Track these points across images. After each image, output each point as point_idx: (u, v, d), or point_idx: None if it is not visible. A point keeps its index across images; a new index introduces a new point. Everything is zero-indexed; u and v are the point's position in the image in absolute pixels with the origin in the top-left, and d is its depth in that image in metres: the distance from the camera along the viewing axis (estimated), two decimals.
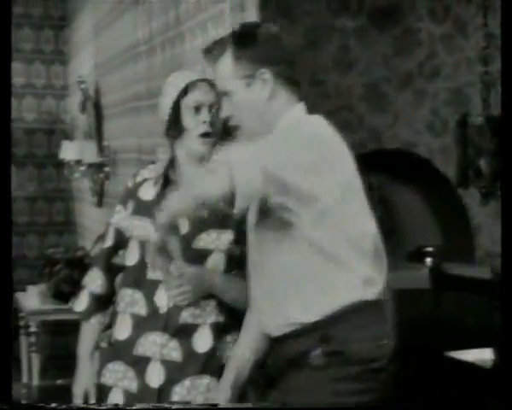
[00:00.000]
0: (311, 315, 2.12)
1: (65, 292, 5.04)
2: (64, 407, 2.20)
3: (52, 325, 5.61)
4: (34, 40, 6.71)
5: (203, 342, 2.43)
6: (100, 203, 5.38)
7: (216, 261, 2.43)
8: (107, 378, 2.52)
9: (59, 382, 5.67)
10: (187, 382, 2.43)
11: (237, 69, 2.27)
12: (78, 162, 5.48)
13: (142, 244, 2.49)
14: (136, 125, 4.31)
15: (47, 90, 6.78)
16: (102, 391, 2.52)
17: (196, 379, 2.43)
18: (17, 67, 6.66)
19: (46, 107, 6.79)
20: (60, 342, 6.03)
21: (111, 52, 4.99)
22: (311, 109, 2.28)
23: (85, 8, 5.90)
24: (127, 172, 4.61)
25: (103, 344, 2.58)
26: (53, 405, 2.27)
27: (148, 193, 2.54)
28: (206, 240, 2.42)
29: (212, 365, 2.42)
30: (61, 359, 5.91)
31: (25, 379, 5.55)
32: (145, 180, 2.58)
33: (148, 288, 2.46)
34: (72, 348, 5.69)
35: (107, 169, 5.07)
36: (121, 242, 2.56)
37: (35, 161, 6.76)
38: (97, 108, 5.34)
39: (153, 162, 2.63)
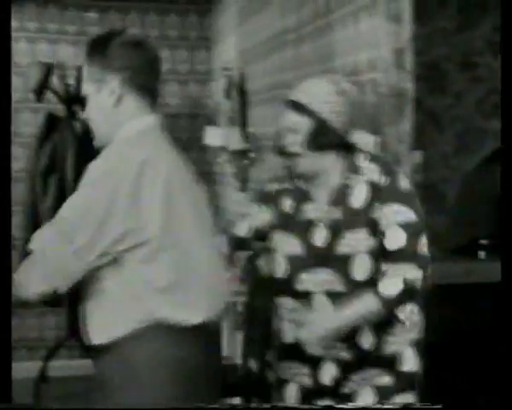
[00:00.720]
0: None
1: None
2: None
3: None
4: (179, 26, 6.84)
5: (367, 339, 2.51)
6: (244, 188, 5.46)
7: None
8: (283, 374, 2.62)
9: None
10: (356, 377, 2.53)
11: (89, 73, 2.40)
12: (223, 148, 5.56)
13: (290, 259, 2.54)
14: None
15: (190, 76, 6.90)
16: (279, 385, 2.64)
17: (366, 372, 2.52)
18: (163, 54, 6.81)
19: (189, 92, 6.91)
20: None
21: (257, 39, 5.03)
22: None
23: None
24: (272, 158, 4.65)
25: (276, 341, 2.67)
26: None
27: (286, 204, 2.63)
28: None
29: (379, 357, 2.51)
30: None
31: None
32: (284, 189, 2.65)
33: (302, 298, 2.53)
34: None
35: (251, 155, 5.12)
36: (255, 237, 2.66)
37: (179, 145, 6.89)
38: (242, 94, 5.39)
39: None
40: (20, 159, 6.64)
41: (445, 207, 4.77)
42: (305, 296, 2.50)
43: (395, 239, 2.41)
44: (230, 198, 6.12)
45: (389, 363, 2.51)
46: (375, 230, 2.43)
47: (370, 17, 2.99)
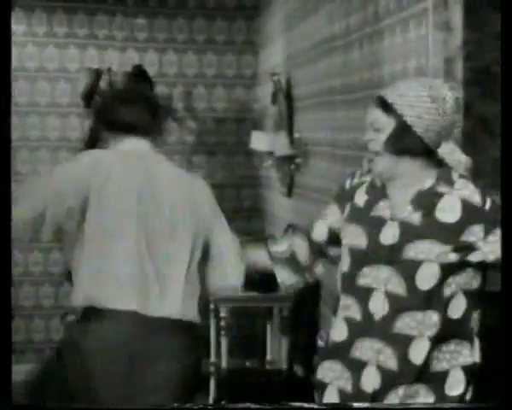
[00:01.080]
0: None
1: (256, 280, 5.13)
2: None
3: (241, 308, 5.74)
4: (227, 31, 6.85)
5: (419, 353, 2.40)
6: (289, 194, 5.45)
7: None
8: (324, 376, 2.55)
9: (247, 364, 5.79)
10: (400, 390, 2.42)
11: None
12: (269, 153, 5.56)
13: (354, 251, 2.50)
14: (330, 119, 4.33)
15: (237, 80, 6.91)
16: (319, 387, 2.56)
17: (411, 387, 2.41)
18: (210, 58, 6.83)
19: (236, 96, 6.92)
20: (247, 325, 6.17)
21: (304, 45, 5.02)
22: None
23: (278, 0, 5.98)
24: (319, 165, 4.64)
25: (320, 343, 2.62)
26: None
27: (361, 198, 2.55)
28: None
29: (426, 374, 2.40)
30: (248, 341, 6.04)
31: (213, 359, 5.71)
32: (361, 183, 2.58)
33: (361, 294, 2.46)
34: (257, 330, 5.81)
35: (298, 161, 5.12)
36: (332, 239, 2.59)
37: (224, 149, 6.91)
38: (289, 99, 5.39)
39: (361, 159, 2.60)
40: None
41: None
42: (364, 292, 2.43)
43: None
44: (276, 203, 6.11)
45: (437, 382, 2.41)
46: (463, 250, 2.36)
47: (420, 25, 2.97)
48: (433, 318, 2.38)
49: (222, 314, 5.42)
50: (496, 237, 2.34)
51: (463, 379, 2.45)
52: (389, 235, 2.42)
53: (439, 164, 2.42)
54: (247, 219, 6.85)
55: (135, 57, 6.63)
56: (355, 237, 2.49)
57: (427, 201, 2.40)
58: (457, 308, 2.40)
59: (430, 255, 2.36)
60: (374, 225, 2.45)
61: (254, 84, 6.91)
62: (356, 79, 3.80)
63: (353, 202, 2.56)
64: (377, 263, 2.42)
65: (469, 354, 2.44)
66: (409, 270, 2.38)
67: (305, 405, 2.21)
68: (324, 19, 4.43)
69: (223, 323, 5.43)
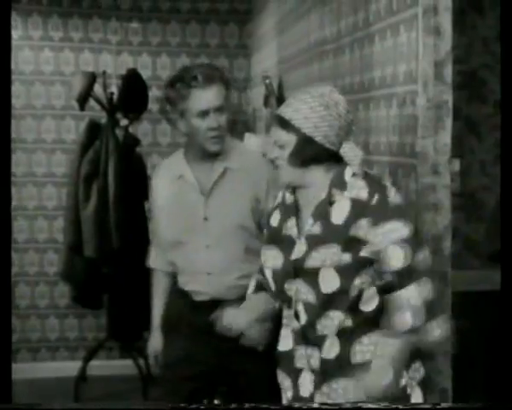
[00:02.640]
0: None
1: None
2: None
3: None
4: (219, 35, 6.85)
5: (332, 350, 2.53)
6: None
7: None
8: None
9: None
10: (324, 387, 2.55)
11: (226, 94, 3.34)
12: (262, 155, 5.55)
13: (273, 272, 2.63)
14: None
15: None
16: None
17: (333, 383, 2.54)
18: (203, 61, 6.82)
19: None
20: None
21: (296, 48, 5.02)
22: None
23: (270, 4, 5.97)
24: None
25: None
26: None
27: (275, 219, 2.73)
28: None
29: (349, 367, 2.50)
30: None
31: None
32: (277, 204, 2.79)
33: (291, 305, 2.62)
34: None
35: None
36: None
37: None
38: (280, 102, 5.37)
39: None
40: (63, 165, 6.69)
41: (483, 216, 4.73)
42: (292, 303, 2.57)
43: (395, 258, 2.43)
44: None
45: (361, 373, 2.45)
46: (353, 247, 2.45)
47: (410, 30, 2.97)
48: (340, 317, 2.49)
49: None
50: (383, 229, 2.42)
51: (421, 395, 2.53)
52: (299, 250, 2.54)
53: (340, 166, 2.55)
54: None
55: (129, 61, 6.62)
56: (273, 259, 2.61)
57: (323, 210, 2.52)
58: (370, 303, 2.50)
59: (326, 261, 2.46)
60: (287, 245, 2.58)
61: (247, 87, 6.91)
62: (347, 83, 3.80)
63: (269, 224, 2.70)
64: (293, 278, 2.54)
65: (392, 343, 2.45)
66: (312, 277, 2.49)
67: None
68: (316, 23, 4.43)
69: None
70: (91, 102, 5.98)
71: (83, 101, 5.82)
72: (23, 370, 6.47)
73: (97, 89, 5.94)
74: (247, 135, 5.86)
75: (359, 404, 2.26)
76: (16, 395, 3.15)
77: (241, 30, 6.86)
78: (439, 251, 2.88)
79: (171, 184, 3.44)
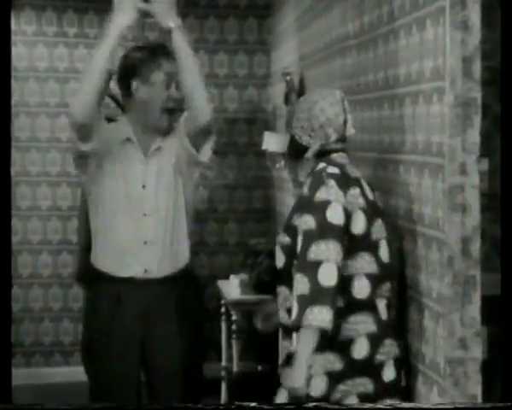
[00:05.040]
0: None
1: (266, 283, 5.11)
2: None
3: (252, 311, 5.71)
4: (238, 31, 6.82)
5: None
6: None
7: None
8: None
9: (259, 368, 5.77)
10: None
11: None
12: (281, 154, 5.52)
13: None
14: None
15: (249, 80, 6.89)
16: None
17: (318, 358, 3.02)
18: (221, 58, 6.81)
19: (247, 96, 6.89)
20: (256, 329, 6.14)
21: (317, 44, 4.99)
22: None
23: None
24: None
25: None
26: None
27: None
28: None
29: (334, 342, 2.98)
30: (259, 344, 6.01)
31: (224, 363, 5.69)
32: None
33: None
34: (268, 335, 5.75)
35: None
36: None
37: (236, 150, 6.88)
38: None
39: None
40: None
41: None
42: None
43: (299, 245, 2.97)
44: (289, 205, 6.08)
45: (344, 348, 2.99)
46: (291, 233, 3.05)
47: (436, 24, 2.93)
48: (285, 292, 3.09)
49: (233, 317, 5.39)
50: (301, 220, 2.98)
51: (367, 345, 3.00)
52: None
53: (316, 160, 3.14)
54: (259, 220, 6.83)
55: None
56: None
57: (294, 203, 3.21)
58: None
59: (279, 242, 3.11)
60: None
61: (266, 84, 6.88)
62: (370, 80, 3.77)
63: None
64: None
65: (372, 321, 3.01)
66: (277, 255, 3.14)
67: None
68: (338, 18, 4.40)
69: (234, 326, 5.41)
70: (106, 100, 5.96)
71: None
72: (16, 375, 6.46)
73: (112, 85, 5.92)
74: (266, 133, 5.83)
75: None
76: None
77: (261, 25, 6.84)
78: (468, 254, 2.84)
79: (117, 146, 3.53)
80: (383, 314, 3.05)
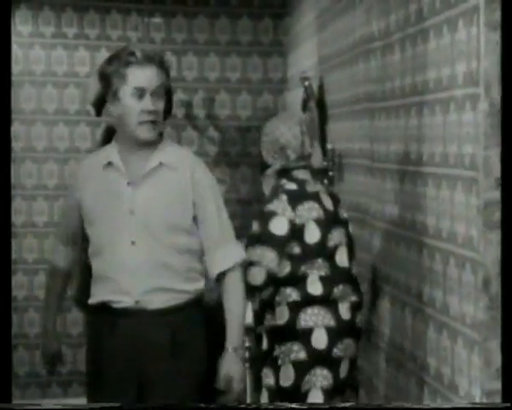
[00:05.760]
0: None
1: None
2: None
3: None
4: (252, 31, 6.83)
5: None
6: None
7: None
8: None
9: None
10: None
11: (166, 82, 3.48)
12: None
13: None
14: (368, 128, 4.29)
15: (264, 85, 6.89)
16: None
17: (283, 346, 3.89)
18: (234, 61, 6.82)
19: (262, 102, 6.90)
20: None
21: (338, 46, 4.99)
22: None
23: None
24: (355, 179, 4.60)
25: None
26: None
27: None
28: None
29: (294, 332, 3.81)
30: None
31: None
32: None
33: None
34: None
35: (331, 174, 5.08)
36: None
37: (249, 161, 6.88)
38: (321, 106, 5.36)
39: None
40: None
41: None
42: None
43: None
44: None
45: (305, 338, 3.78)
46: None
47: (470, 24, 2.92)
48: None
49: (246, 344, 5.38)
50: (253, 224, 3.80)
51: (326, 336, 3.74)
52: None
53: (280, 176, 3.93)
54: None
55: None
56: None
57: None
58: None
59: None
60: None
61: (282, 89, 6.89)
62: (397, 85, 3.76)
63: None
64: None
65: (330, 317, 3.77)
66: None
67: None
68: (361, 17, 4.40)
69: (247, 354, 5.39)
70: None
71: (99, 105, 5.82)
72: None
73: None
74: None
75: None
76: None
77: (277, 25, 6.85)
78: None
79: (96, 172, 3.48)
80: (344, 314, 3.81)
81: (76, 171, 3.70)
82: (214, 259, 3.48)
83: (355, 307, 3.86)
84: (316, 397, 3.76)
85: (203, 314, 3.51)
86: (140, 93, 3.35)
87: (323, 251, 3.79)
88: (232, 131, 6.82)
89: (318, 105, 5.38)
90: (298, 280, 3.77)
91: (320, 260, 3.78)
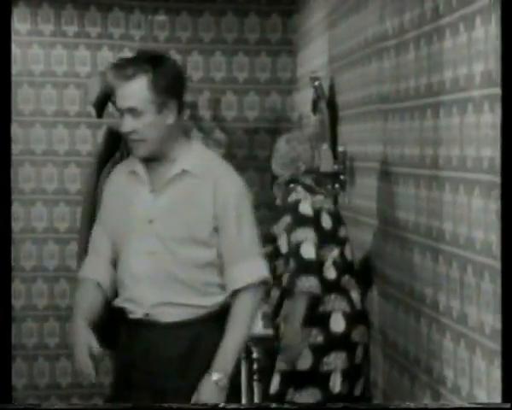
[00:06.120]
0: None
1: None
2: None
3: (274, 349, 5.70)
4: (260, 29, 6.84)
5: None
6: None
7: None
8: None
9: None
10: None
11: (151, 95, 3.23)
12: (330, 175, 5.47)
13: None
14: (381, 130, 4.30)
15: (272, 85, 6.90)
16: None
17: None
18: (241, 60, 6.82)
19: (270, 103, 6.91)
20: None
21: (350, 45, 5.00)
22: None
23: None
24: (367, 183, 4.60)
25: None
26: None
27: None
28: None
29: None
30: None
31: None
32: None
33: None
34: None
35: (342, 178, 5.08)
36: None
37: (256, 165, 6.88)
38: (332, 107, 5.36)
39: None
40: (77, 180, 6.70)
41: None
42: None
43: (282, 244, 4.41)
44: None
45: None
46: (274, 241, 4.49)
47: (488, 22, 2.93)
48: None
49: (254, 356, 5.39)
50: (282, 219, 4.42)
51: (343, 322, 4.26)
52: None
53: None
54: None
55: None
56: None
57: None
58: None
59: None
60: None
61: (291, 89, 6.89)
62: (411, 85, 3.77)
63: None
64: None
65: (346, 303, 4.28)
66: None
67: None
68: (374, 14, 4.41)
69: (255, 366, 5.40)
70: (110, 108, 6.00)
71: (100, 106, 5.83)
72: None
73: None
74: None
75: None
76: None
77: (286, 23, 6.86)
78: None
79: (120, 180, 3.48)
80: (356, 302, 4.29)
81: (107, 182, 3.65)
82: (230, 275, 3.34)
83: (362, 297, 4.40)
84: (335, 379, 4.24)
85: (223, 328, 3.35)
86: (120, 113, 3.31)
87: (335, 239, 4.34)
88: (239, 133, 6.83)
89: (329, 106, 5.38)
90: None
91: (333, 247, 4.31)
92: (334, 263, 4.30)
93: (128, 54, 6.60)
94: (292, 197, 4.36)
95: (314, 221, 4.27)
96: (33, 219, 6.74)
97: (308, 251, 4.21)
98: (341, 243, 4.36)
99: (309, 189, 4.40)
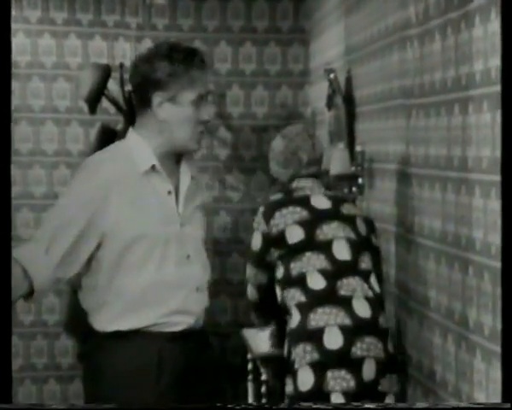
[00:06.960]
0: None
1: None
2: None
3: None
4: (269, 16, 6.84)
5: None
6: None
7: None
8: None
9: None
10: None
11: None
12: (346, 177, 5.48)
13: None
14: (402, 128, 4.30)
15: (282, 78, 6.91)
16: None
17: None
18: (248, 50, 6.83)
19: (280, 98, 6.91)
20: None
21: (368, 34, 5.01)
22: None
23: None
24: (387, 186, 4.61)
25: None
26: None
27: None
28: None
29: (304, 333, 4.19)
30: None
31: None
32: None
33: None
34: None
35: (360, 181, 5.09)
36: None
37: (266, 166, 6.88)
38: (349, 103, 5.37)
39: None
40: (68, 182, 6.70)
41: None
42: None
43: None
44: None
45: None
46: None
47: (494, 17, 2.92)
48: None
49: (263, 377, 5.39)
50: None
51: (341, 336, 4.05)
52: None
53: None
54: None
55: None
56: None
57: None
58: None
59: None
60: None
61: (304, 83, 6.90)
62: (437, 78, 3.76)
63: None
64: None
65: (343, 315, 4.08)
66: None
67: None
68: (395, 0, 4.41)
69: (264, 388, 5.41)
70: (104, 103, 6.01)
71: (94, 101, 5.85)
72: None
73: (112, 86, 5.97)
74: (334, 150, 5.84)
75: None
76: None
77: (297, 8, 6.87)
78: None
79: (132, 179, 3.44)
80: (360, 311, 4.10)
81: (94, 179, 3.46)
82: None
83: (375, 304, 4.15)
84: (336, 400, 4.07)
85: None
86: (200, 101, 3.44)
87: (314, 245, 4.25)
88: (246, 131, 6.84)
89: (345, 101, 5.39)
90: (297, 280, 4.21)
91: (313, 254, 4.22)
92: (321, 271, 4.20)
93: (123, 43, 6.63)
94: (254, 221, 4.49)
95: (259, 256, 4.42)
96: (19, 225, 6.75)
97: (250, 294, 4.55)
98: (327, 244, 4.25)
99: (279, 203, 4.38)
